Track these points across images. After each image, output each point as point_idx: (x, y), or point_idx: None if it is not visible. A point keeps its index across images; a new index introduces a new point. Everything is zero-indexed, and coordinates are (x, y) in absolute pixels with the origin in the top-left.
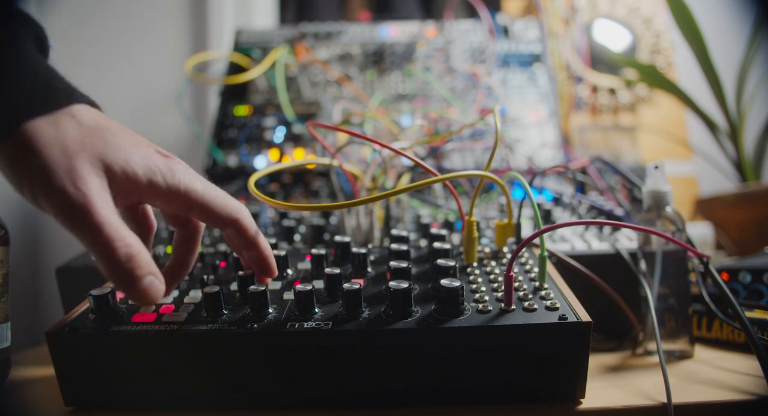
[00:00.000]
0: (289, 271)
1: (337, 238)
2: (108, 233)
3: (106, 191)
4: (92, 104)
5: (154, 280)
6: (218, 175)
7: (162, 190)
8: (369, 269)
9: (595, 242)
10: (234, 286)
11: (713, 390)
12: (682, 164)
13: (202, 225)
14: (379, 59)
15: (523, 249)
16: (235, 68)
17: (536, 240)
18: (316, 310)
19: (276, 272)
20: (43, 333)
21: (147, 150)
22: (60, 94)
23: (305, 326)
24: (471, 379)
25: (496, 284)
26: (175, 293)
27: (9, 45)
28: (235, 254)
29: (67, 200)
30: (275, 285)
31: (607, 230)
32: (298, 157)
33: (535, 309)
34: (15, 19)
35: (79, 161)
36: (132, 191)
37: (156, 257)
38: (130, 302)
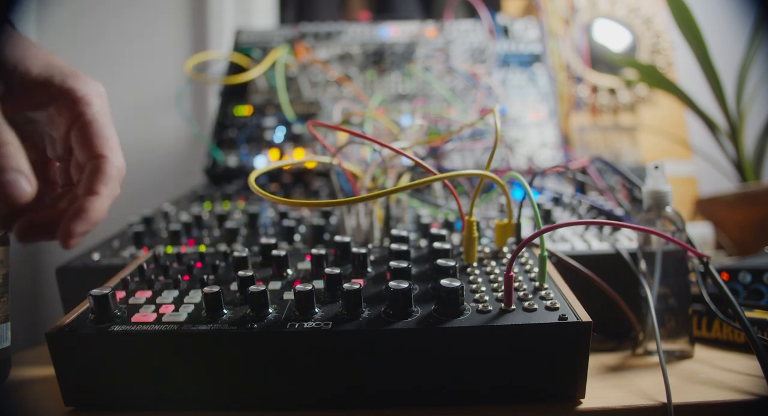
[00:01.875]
0: (289, 271)
1: (337, 238)
2: None
3: None
4: (11, 23)
5: (21, 178)
6: (218, 175)
7: (57, 90)
8: (369, 269)
9: (595, 242)
10: (234, 286)
11: (713, 390)
12: (682, 164)
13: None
14: (379, 59)
15: (523, 249)
16: (235, 68)
17: (536, 240)
18: (316, 310)
19: (71, 240)
20: (43, 333)
21: (54, 59)
22: None
23: (305, 326)
24: (471, 379)
25: (496, 284)
26: (175, 293)
27: None
28: (235, 254)
29: None
30: (275, 285)
31: (607, 230)
32: (298, 157)
33: (535, 309)
34: None
35: None
36: (25, 92)
37: (156, 257)
38: (130, 302)
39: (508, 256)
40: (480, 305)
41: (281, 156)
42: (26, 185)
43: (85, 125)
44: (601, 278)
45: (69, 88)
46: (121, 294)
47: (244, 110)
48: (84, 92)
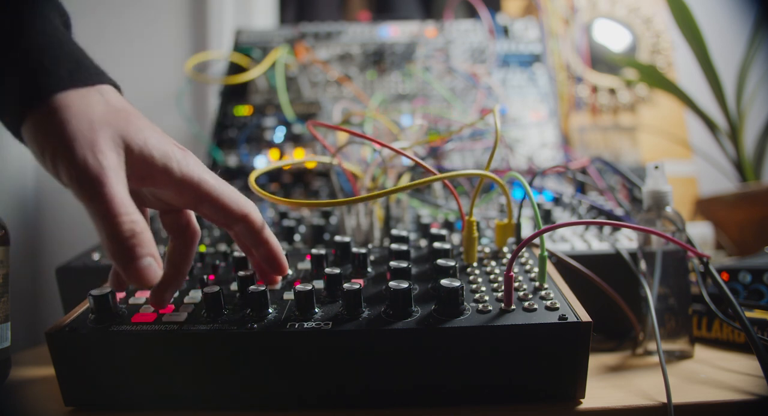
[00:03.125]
0: (289, 271)
1: (337, 238)
2: (117, 205)
3: (122, 168)
4: (117, 87)
5: (153, 262)
6: (218, 175)
7: (175, 177)
8: (369, 269)
9: (595, 242)
10: (234, 286)
11: (713, 390)
12: (682, 164)
13: (199, 234)
14: (379, 59)
15: (523, 249)
16: (235, 68)
17: (536, 240)
18: (316, 310)
19: (287, 270)
20: (43, 333)
21: (165, 138)
22: (91, 72)
23: (305, 326)
24: (471, 379)
25: (496, 284)
26: (175, 293)
27: (40, 20)
28: (235, 254)
29: (84, 169)
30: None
31: (607, 230)
32: (298, 157)
33: (535, 309)
34: None
35: (102, 134)
36: (146, 174)
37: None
38: (130, 302)
39: (508, 256)
40: (480, 305)
41: (281, 156)
42: (158, 269)
43: (215, 201)
44: (601, 278)
45: (185, 174)
46: (121, 294)
47: (244, 110)
48: (198, 174)
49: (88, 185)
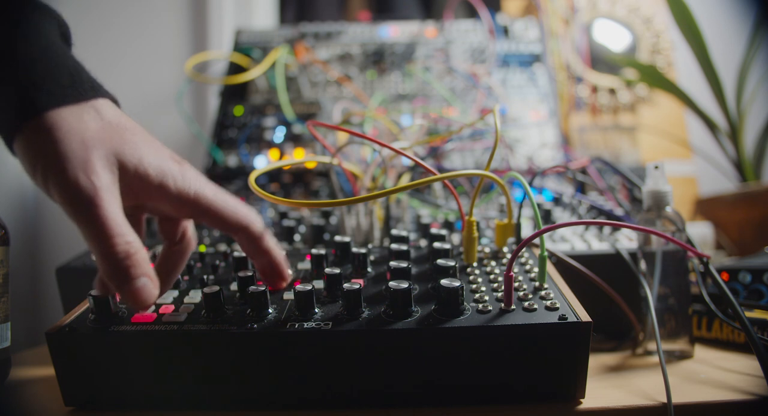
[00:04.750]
0: (289, 271)
1: (337, 238)
2: (111, 227)
3: (116, 187)
4: (114, 100)
5: (148, 283)
6: (218, 175)
7: (171, 193)
8: (369, 269)
9: (595, 242)
10: (234, 286)
11: (713, 390)
12: (682, 164)
13: (194, 245)
14: (379, 59)
15: (523, 249)
16: (235, 68)
17: (536, 240)
18: (316, 310)
19: (289, 278)
20: (43, 333)
21: (162, 153)
22: (86, 87)
23: (305, 326)
24: (471, 379)
25: (496, 284)
26: (175, 293)
27: (36, 33)
28: (235, 254)
29: (76, 190)
30: None
31: (607, 230)
32: (298, 157)
33: (535, 309)
34: (38, 10)
35: (95, 154)
36: (141, 191)
37: (156, 257)
38: None
39: (508, 256)
40: (480, 305)
41: (281, 156)
42: (153, 289)
43: (214, 214)
44: (601, 278)
45: (181, 190)
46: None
47: (243, 110)
48: (195, 189)
49: (81, 207)
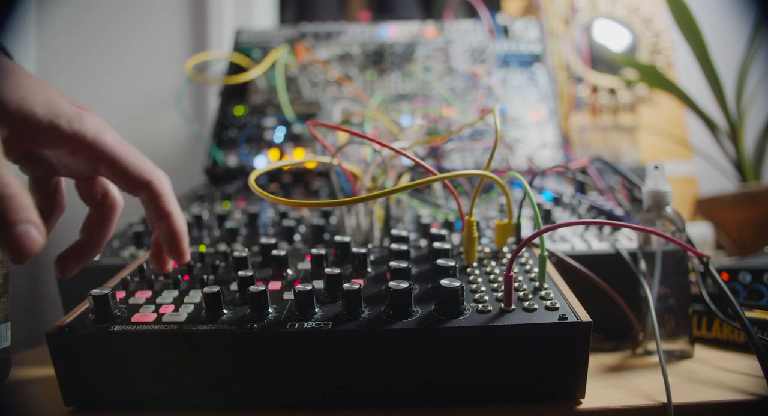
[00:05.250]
0: (289, 271)
1: (337, 238)
2: None
3: None
4: (5, 50)
5: (32, 229)
6: (218, 175)
7: (65, 134)
8: (369, 269)
9: (595, 242)
10: (234, 286)
11: (713, 390)
12: (682, 164)
13: (120, 204)
14: (379, 59)
15: (523, 249)
16: (235, 68)
17: (536, 240)
18: (316, 310)
19: (186, 257)
20: (43, 333)
21: (55, 95)
22: None
23: (305, 326)
24: (471, 379)
25: (496, 284)
26: (175, 293)
27: None
28: (235, 254)
29: None
30: (275, 285)
31: (607, 230)
32: (298, 157)
33: (535, 309)
34: None
35: None
36: (30, 134)
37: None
38: (130, 302)
39: (508, 256)
40: (480, 305)
41: (281, 156)
42: (37, 235)
43: (113, 163)
44: (601, 278)
45: (77, 132)
46: (121, 294)
47: (243, 110)
48: (93, 133)
49: None
